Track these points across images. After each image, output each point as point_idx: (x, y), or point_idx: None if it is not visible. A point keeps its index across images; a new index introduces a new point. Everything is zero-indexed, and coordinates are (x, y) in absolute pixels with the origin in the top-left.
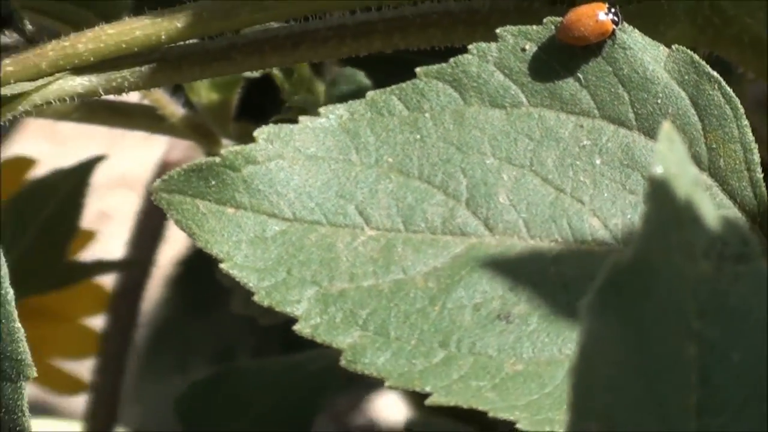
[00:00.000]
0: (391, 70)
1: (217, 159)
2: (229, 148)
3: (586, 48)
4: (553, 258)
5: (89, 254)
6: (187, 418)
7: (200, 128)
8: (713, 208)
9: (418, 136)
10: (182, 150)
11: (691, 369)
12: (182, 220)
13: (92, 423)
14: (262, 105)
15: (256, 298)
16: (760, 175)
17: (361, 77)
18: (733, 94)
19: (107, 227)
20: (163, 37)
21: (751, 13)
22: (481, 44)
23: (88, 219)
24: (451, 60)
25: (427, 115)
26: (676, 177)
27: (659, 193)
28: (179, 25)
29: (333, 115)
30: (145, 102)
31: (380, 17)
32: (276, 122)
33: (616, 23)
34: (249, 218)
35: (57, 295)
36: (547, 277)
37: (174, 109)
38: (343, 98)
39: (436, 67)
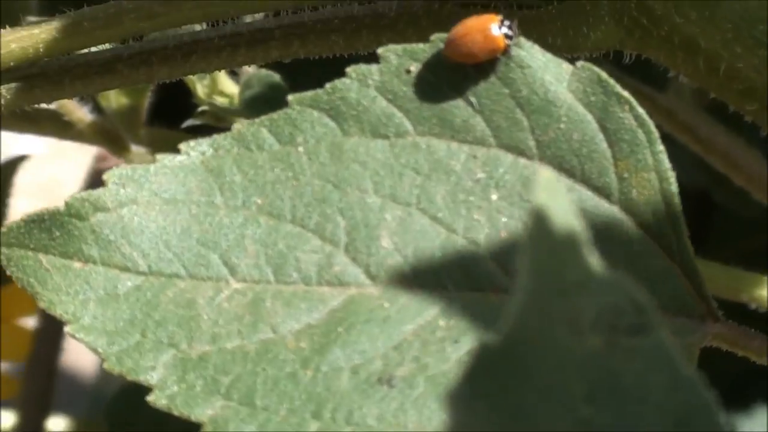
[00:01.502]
0: (310, 69)
1: (62, 207)
2: (74, 194)
3: (478, 67)
4: (443, 309)
5: None
6: (116, 422)
7: (110, 134)
8: (603, 270)
9: (291, 174)
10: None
11: None
12: (23, 278)
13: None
14: (176, 109)
15: (105, 365)
16: (678, 208)
17: (276, 79)
18: (646, 117)
19: None
20: (41, 49)
21: (682, 13)
22: (361, 66)
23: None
24: (327, 85)
25: (300, 148)
26: (559, 235)
27: (538, 254)
28: (58, 36)
29: (194, 151)
30: (53, 107)
31: (277, 24)
32: (187, 131)
33: (509, 38)
34: (98, 273)
35: None
36: (436, 331)
37: (82, 114)
38: (257, 101)
39: (310, 93)
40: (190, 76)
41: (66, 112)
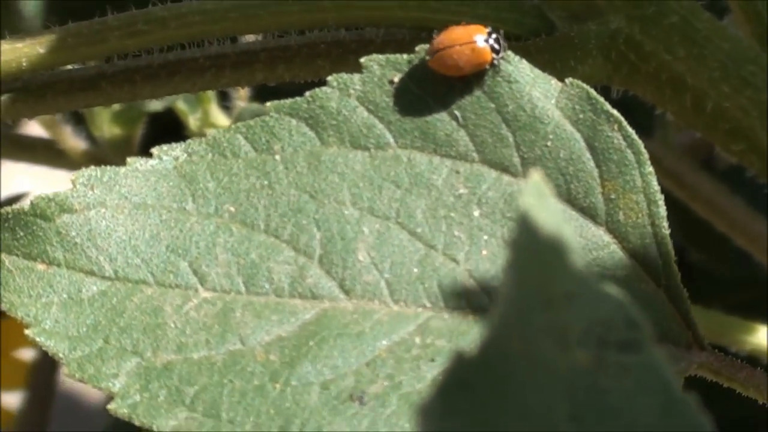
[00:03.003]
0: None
1: (26, 207)
2: (40, 194)
3: (463, 80)
4: (419, 326)
5: None
6: None
7: (102, 164)
8: (594, 281)
9: (266, 182)
10: None
11: None
12: None
13: None
14: (168, 140)
15: (65, 370)
16: (665, 231)
17: None
18: (635, 137)
19: None
20: (24, 64)
21: (670, 50)
22: (343, 75)
23: None
24: (307, 93)
25: (277, 157)
26: (546, 242)
27: (523, 261)
28: (42, 51)
29: (167, 156)
30: (47, 135)
31: (262, 46)
32: None
33: (496, 51)
34: (63, 276)
35: None
36: (411, 349)
37: (75, 143)
38: None
39: (289, 101)
40: (182, 108)
41: (60, 141)
